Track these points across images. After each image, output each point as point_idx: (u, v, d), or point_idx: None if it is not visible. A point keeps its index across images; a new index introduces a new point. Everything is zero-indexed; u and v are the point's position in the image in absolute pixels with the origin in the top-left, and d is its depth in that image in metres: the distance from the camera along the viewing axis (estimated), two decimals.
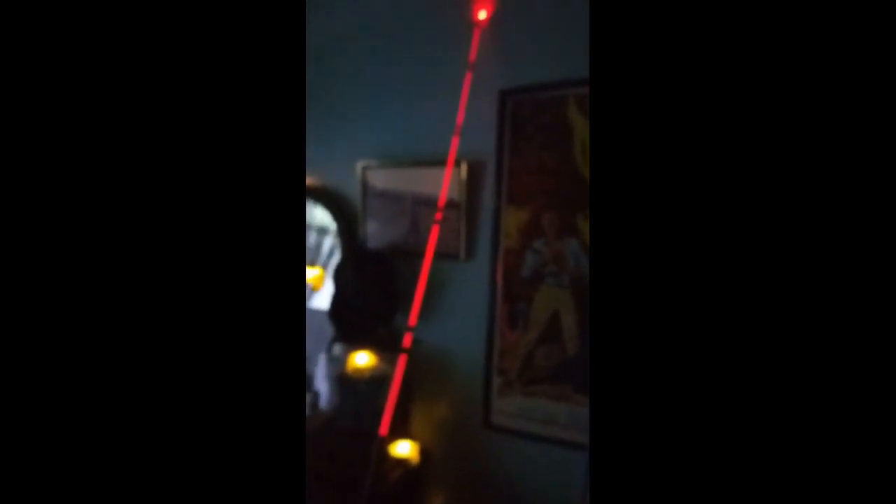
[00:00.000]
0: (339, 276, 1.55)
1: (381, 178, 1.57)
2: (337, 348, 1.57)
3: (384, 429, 1.03)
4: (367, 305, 1.52)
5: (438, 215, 1.24)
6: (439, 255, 1.41)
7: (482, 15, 1.34)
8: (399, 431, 1.48)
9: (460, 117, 1.29)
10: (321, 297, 1.68)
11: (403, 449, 1.46)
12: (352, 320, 1.54)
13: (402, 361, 1.11)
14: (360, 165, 1.59)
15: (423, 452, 1.51)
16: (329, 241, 1.69)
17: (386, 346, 1.49)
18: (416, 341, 1.14)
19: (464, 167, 1.40)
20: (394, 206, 1.56)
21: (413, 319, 1.13)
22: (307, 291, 1.68)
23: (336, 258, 1.66)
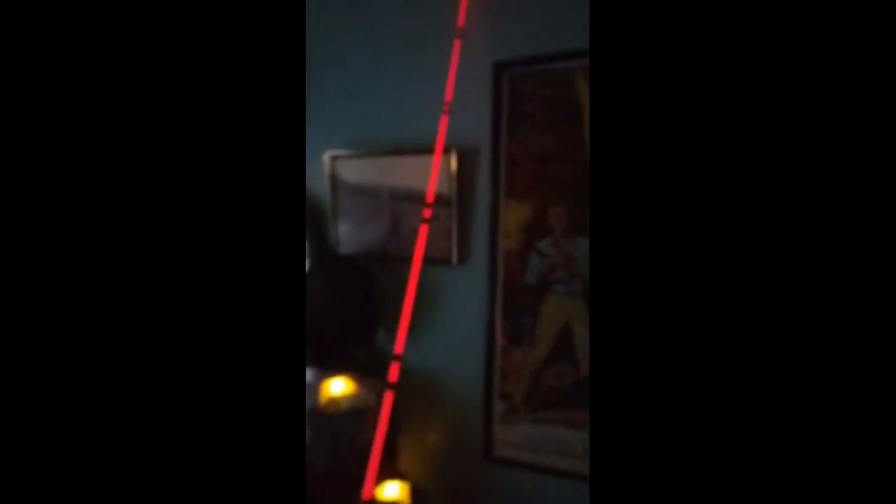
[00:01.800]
0: (308, 289, 1.32)
1: (354, 170, 1.35)
2: (308, 375, 1.34)
3: (368, 491, 0.81)
4: (342, 323, 1.30)
5: (427, 212, 1.02)
6: (426, 260, 1.21)
7: None
8: (385, 470, 1.27)
9: (449, 94, 1.07)
10: None
11: (391, 491, 1.26)
12: (324, 341, 1.32)
13: (388, 399, 0.88)
14: (327, 156, 1.36)
15: (415, 492, 1.31)
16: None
17: (366, 372, 1.28)
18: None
19: (453, 155, 1.19)
20: (370, 203, 1.34)
21: (400, 346, 0.91)
22: None
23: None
